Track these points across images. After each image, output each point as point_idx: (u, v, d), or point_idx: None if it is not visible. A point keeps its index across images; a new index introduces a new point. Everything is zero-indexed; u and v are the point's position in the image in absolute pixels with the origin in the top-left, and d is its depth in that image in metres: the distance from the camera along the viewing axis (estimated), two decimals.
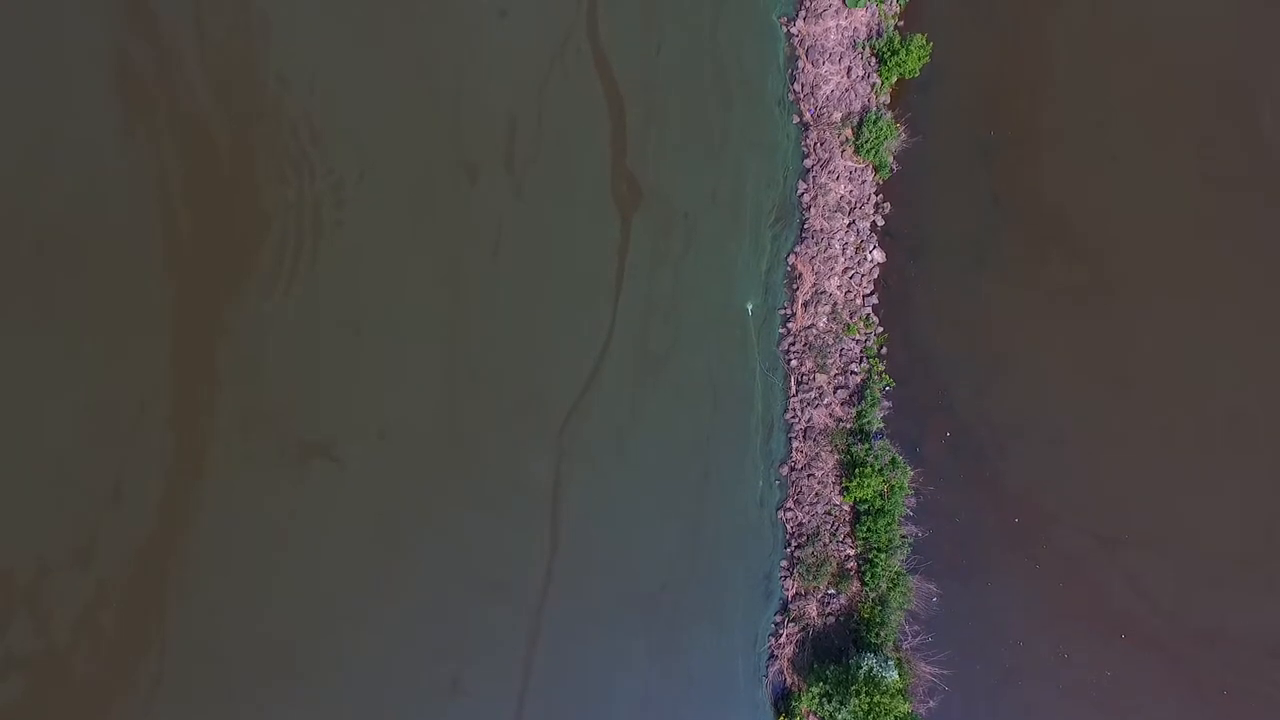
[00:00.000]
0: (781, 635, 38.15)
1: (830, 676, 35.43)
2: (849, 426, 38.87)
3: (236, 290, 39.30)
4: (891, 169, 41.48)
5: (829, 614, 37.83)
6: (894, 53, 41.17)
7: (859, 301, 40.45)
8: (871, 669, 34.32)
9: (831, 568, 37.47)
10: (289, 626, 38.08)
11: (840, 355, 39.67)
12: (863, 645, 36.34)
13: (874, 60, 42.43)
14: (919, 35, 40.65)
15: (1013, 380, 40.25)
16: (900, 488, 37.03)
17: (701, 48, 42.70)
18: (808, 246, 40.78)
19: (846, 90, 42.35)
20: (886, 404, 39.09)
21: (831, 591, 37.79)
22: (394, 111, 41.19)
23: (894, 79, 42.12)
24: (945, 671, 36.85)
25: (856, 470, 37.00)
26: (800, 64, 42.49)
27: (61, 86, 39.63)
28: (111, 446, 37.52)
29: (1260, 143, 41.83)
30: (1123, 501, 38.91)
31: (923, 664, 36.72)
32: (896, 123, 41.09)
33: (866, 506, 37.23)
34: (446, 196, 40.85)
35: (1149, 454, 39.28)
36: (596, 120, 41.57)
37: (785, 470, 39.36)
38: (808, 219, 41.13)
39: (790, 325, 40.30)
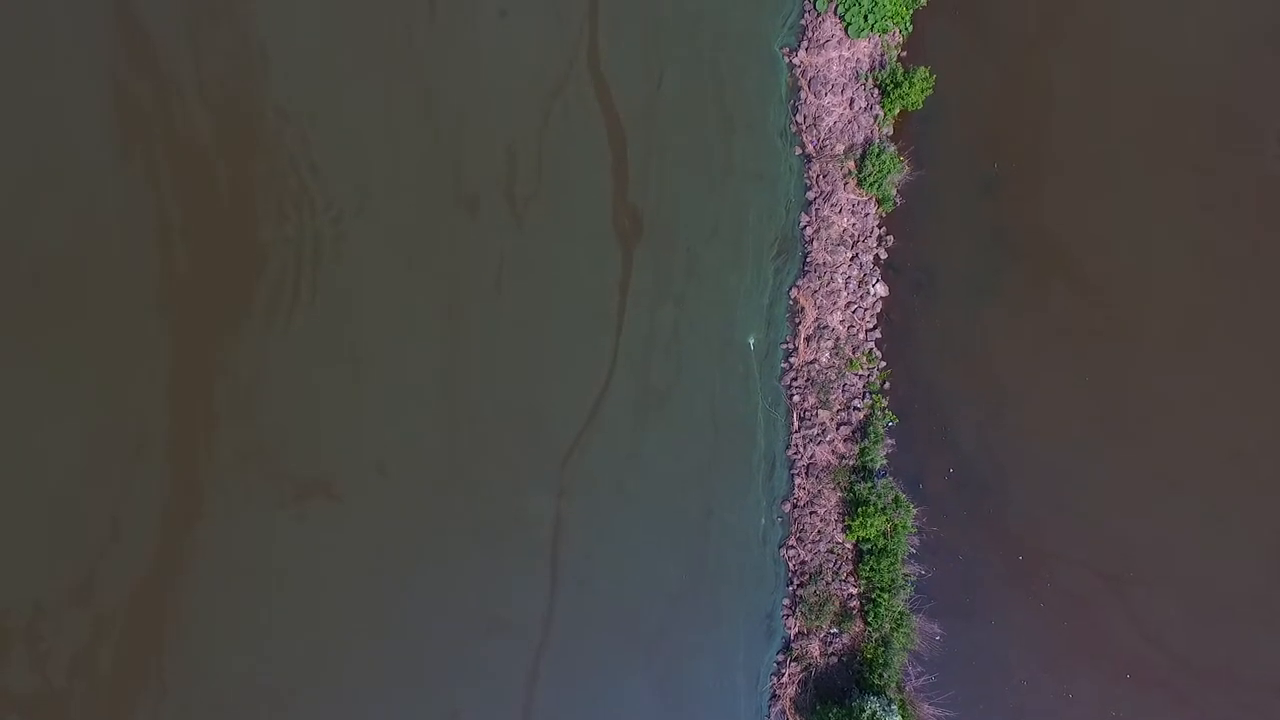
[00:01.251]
0: (784, 675, 37.89)
1: (833, 718, 35.17)
2: (852, 463, 38.62)
3: (234, 324, 39.09)
4: (895, 202, 41.24)
5: (832, 654, 37.58)
6: (897, 85, 40.97)
7: (862, 336, 40.21)
8: (875, 712, 34.06)
9: (834, 607, 37.21)
10: (288, 664, 37.84)
11: (843, 391, 39.43)
12: (866, 686, 36.08)
13: (877, 92, 42.23)
14: (922, 68, 40.46)
15: (1016, 416, 39.99)
16: (903, 527, 36.79)
17: (703, 79, 42.49)
18: (810, 280, 40.54)
19: (849, 122, 42.14)
20: (889, 441, 38.80)
21: (834, 631, 37.54)
22: (394, 144, 40.97)
23: (897, 111, 41.92)
24: (949, 713, 36.58)
25: (859, 509, 36.74)
26: (803, 95, 42.29)
27: (59, 118, 39.45)
28: (108, 484, 37.31)
29: (1262, 173, 41.71)
30: (1128, 539, 38.66)
31: (926, 705, 36.47)
32: (900, 156, 40.85)
33: (869, 545, 36.98)
34: (447, 230, 40.61)
35: (1154, 490, 39.02)
36: (597, 153, 41.33)
37: (788, 507, 39.12)
38: (810, 252, 40.89)
39: (792, 360, 40.06)
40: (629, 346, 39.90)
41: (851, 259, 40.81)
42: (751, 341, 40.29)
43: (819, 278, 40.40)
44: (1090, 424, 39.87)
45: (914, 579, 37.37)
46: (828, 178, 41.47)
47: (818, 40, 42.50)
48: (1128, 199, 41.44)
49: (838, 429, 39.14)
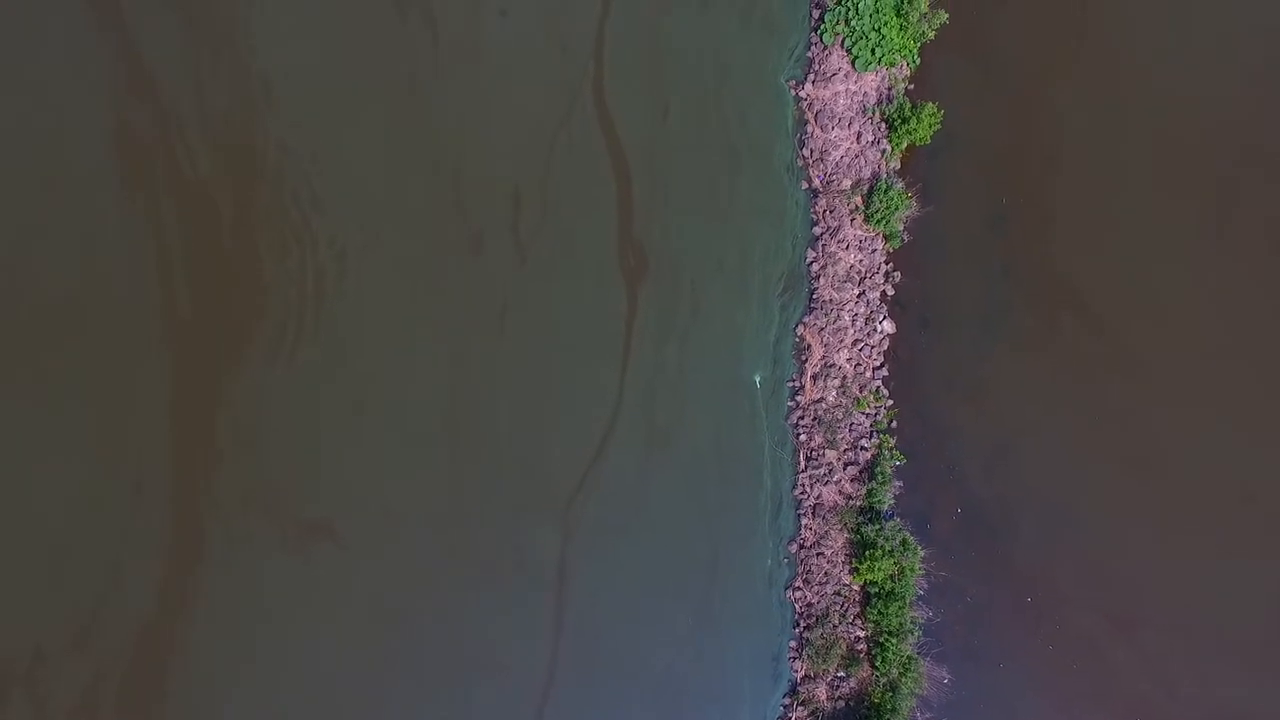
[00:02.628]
0: (790, 718, 37.52)
1: None
2: (859, 504, 38.28)
3: (237, 362, 38.78)
4: (902, 238, 40.89)
5: (839, 698, 37.21)
6: (904, 120, 40.63)
7: (869, 374, 39.85)
8: None
9: (841, 650, 36.87)
10: (289, 707, 37.49)
11: (850, 430, 39.09)
12: None
13: (884, 126, 41.89)
14: (930, 104, 40.09)
15: (1025, 455, 39.61)
16: (911, 570, 36.46)
17: (708, 113, 42.16)
18: (816, 317, 40.20)
19: (856, 156, 41.79)
20: (897, 482, 38.44)
21: (841, 674, 37.20)
22: (397, 179, 40.66)
23: (904, 145, 41.56)
24: None
25: (867, 551, 36.40)
26: (809, 129, 41.96)
27: (61, 153, 39.15)
28: (109, 525, 36.98)
29: (1276, 208, 41.27)
30: (1137, 580, 38.27)
31: None
32: (907, 192, 40.48)
33: (877, 589, 36.61)
34: (451, 266, 40.31)
35: (1163, 531, 38.62)
36: (602, 188, 41.00)
37: (794, 548, 38.77)
38: (816, 288, 40.55)
39: (799, 398, 39.70)
40: (634, 384, 39.57)
41: (858, 296, 40.46)
42: (758, 379, 39.96)
43: (825, 315, 40.05)
44: (1100, 463, 39.48)
45: (922, 622, 36.92)
46: (834, 213, 41.13)
47: (824, 73, 42.18)
48: (1137, 234, 41.03)
49: (845, 469, 38.79)
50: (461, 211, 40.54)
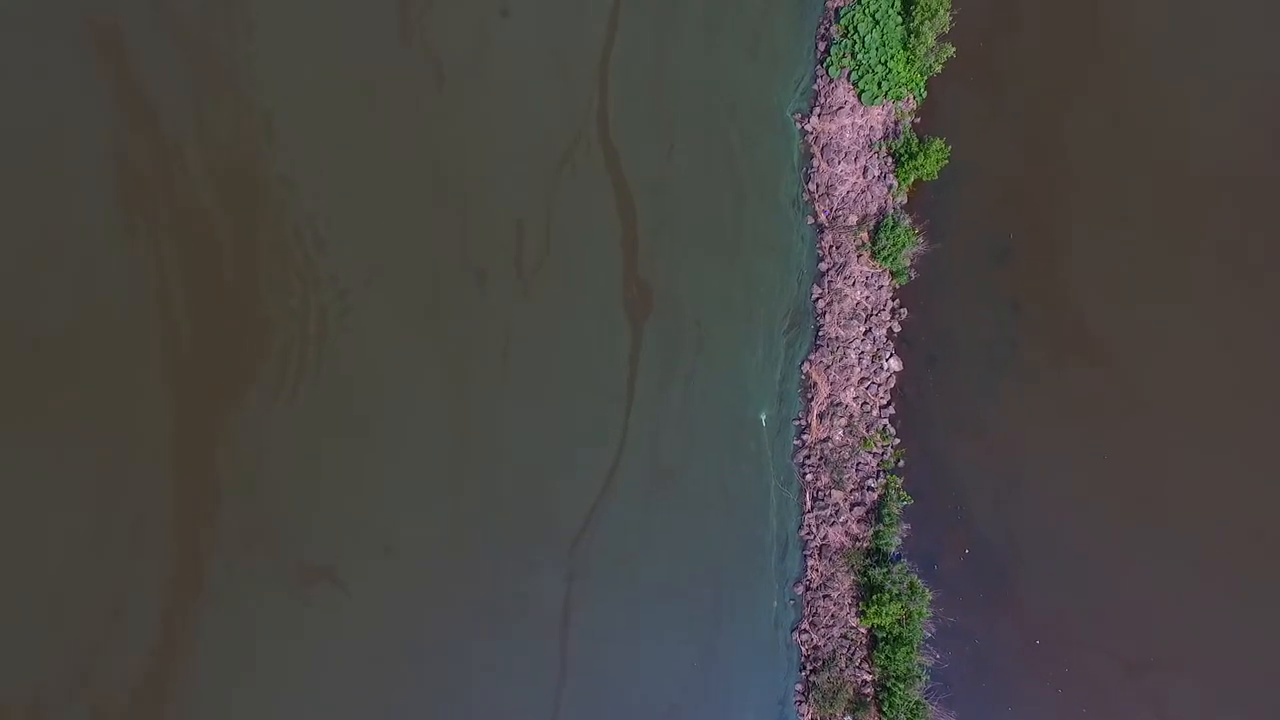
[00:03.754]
0: None
1: None
2: (866, 546, 37.89)
3: (237, 399, 38.40)
4: (909, 275, 40.55)
5: None
6: (911, 155, 40.31)
7: (875, 413, 39.49)
8: None
9: (848, 694, 36.45)
10: None
11: (856, 470, 38.72)
12: None
13: (890, 161, 41.57)
14: (938, 140, 39.78)
15: (1033, 495, 39.22)
16: (920, 614, 36.04)
17: (713, 146, 41.90)
18: (822, 354, 39.86)
19: (862, 191, 41.47)
20: (904, 525, 38.05)
21: (847, 719, 36.76)
22: (401, 214, 40.33)
23: (911, 180, 41.25)
24: None
25: (874, 595, 36.02)
26: (815, 163, 41.64)
27: (61, 190, 38.86)
28: (109, 566, 36.61)
29: None
30: (1148, 623, 37.84)
31: None
32: (914, 229, 40.15)
33: (885, 634, 36.20)
34: (454, 302, 39.96)
35: (1174, 573, 38.19)
36: (606, 223, 40.68)
37: (800, 590, 38.38)
38: (822, 325, 40.21)
39: (805, 437, 39.34)
40: (638, 422, 39.25)
41: (865, 333, 40.12)
42: (763, 418, 39.60)
43: (831, 352, 39.72)
44: (1109, 503, 39.06)
45: (929, 666, 36.51)
46: (841, 249, 40.81)
47: (830, 107, 41.93)
48: (1146, 271, 40.67)
49: (851, 509, 38.42)
50: (465, 246, 40.22)
